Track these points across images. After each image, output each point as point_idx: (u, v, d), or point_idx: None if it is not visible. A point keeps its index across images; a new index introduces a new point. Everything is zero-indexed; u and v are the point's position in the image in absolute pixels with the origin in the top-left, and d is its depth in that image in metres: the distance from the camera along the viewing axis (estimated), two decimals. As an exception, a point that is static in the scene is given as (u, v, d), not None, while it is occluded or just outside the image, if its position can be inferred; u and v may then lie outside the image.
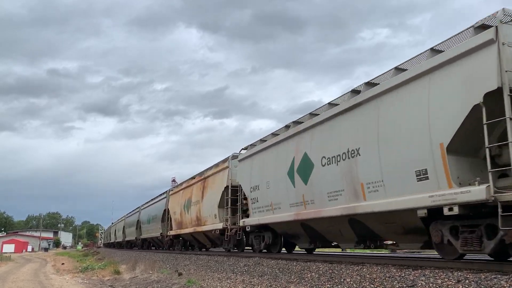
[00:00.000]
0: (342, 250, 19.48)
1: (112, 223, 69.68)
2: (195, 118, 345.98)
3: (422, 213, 7.79)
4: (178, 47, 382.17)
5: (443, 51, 7.94)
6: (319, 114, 11.68)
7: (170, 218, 26.89)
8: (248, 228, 15.55)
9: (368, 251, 19.38)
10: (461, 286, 5.90)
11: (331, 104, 11.34)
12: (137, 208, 40.29)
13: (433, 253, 18.24)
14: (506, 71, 6.60)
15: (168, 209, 27.84)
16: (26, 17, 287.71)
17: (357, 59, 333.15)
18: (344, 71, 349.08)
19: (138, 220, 38.39)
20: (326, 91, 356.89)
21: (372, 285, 7.12)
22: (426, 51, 8.36)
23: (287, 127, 13.52)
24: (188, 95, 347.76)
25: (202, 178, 21.06)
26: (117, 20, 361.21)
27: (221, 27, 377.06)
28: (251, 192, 15.12)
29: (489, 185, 6.61)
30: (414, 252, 16.36)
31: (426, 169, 7.72)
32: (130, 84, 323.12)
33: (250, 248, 16.94)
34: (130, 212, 45.89)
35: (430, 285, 6.28)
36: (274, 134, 14.41)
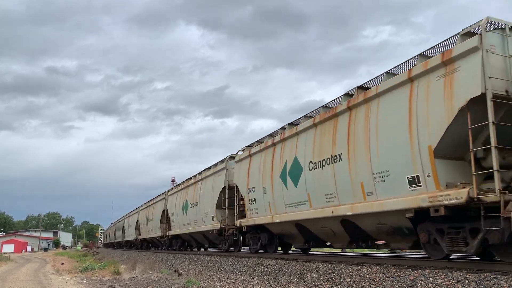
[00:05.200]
0: (342, 250, 19.74)
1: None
2: (196, 117, 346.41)
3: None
4: (178, 45, 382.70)
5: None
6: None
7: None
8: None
9: (367, 251, 19.57)
10: (460, 286, 5.91)
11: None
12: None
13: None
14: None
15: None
16: (24, 14, 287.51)
17: (360, 58, 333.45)
18: (347, 70, 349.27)
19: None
20: (328, 91, 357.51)
21: (371, 285, 7.14)
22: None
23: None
24: (188, 94, 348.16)
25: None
26: (116, 18, 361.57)
27: (222, 24, 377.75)
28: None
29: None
30: (414, 252, 16.47)
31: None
32: (130, 83, 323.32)
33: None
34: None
35: (430, 285, 6.30)
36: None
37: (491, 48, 7.02)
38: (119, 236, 52.05)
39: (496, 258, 7.61)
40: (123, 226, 48.06)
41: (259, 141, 15.37)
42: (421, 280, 6.54)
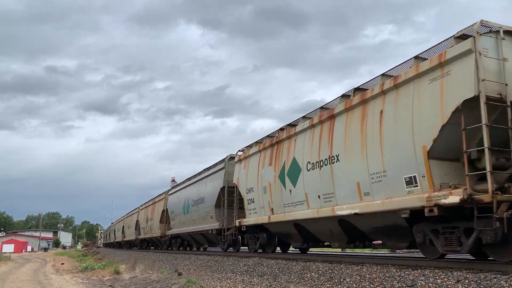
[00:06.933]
0: (342, 250, 19.84)
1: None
2: (196, 117, 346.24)
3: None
4: (178, 45, 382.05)
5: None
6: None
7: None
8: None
9: (367, 251, 19.62)
10: (460, 286, 5.91)
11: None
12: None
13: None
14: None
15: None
16: (23, 13, 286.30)
17: (361, 57, 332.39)
18: (347, 70, 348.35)
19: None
20: (329, 91, 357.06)
21: (371, 285, 7.14)
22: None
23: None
24: (189, 94, 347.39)
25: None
26: (116, 17, 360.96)
27: (222, 23, 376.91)
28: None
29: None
30: (414, 252, 16.55)
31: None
32: (130, 83, 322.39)
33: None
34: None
35: (430, 285, 6.30)
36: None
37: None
38: (119, 236, 52.11)
39: (490, 258, 7.73)
40: (123, 226, 48.14)
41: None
42: (421, 280, 6.57)
